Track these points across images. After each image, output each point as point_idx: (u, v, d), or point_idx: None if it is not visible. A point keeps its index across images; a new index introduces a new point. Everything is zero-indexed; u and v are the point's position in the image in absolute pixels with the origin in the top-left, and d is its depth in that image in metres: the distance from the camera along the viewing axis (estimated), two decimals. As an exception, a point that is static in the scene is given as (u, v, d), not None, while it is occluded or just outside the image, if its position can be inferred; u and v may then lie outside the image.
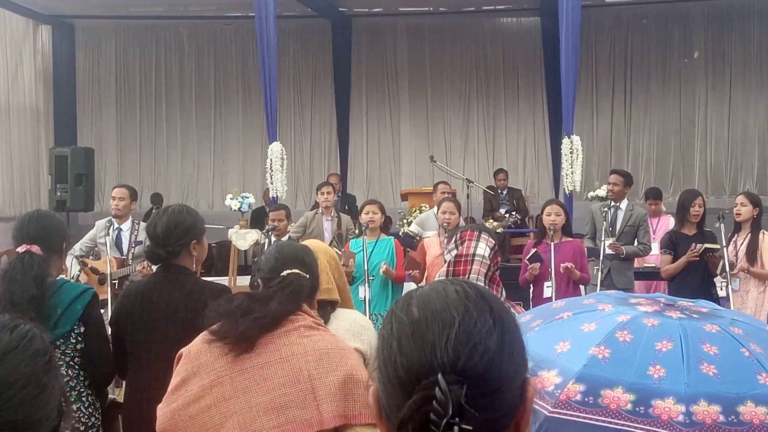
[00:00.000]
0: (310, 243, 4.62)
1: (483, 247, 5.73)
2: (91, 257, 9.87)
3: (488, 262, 5.66)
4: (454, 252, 5.84)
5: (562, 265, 8.94)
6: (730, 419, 3.30)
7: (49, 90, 20.97)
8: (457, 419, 1.47)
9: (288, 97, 21.48)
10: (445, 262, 5.98)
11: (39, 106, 20.42)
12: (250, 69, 21.14)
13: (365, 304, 9.02)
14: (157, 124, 22.35)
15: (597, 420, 3.34)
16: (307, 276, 3.75)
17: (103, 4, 19.98)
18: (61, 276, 4.81)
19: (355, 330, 4.24)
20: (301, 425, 3.40)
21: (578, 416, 3.36)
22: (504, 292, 5.79)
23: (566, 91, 13.86)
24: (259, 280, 3.80)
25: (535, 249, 9.23)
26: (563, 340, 3.62)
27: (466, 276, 5.61)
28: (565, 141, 13.85)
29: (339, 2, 20.27)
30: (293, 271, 3.70)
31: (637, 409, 3.33)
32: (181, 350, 3.57)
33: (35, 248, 4.44)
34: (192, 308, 4.45)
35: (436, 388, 1.48)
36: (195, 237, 4.69)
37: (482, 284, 5.36)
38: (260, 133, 19.56)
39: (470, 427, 1.48)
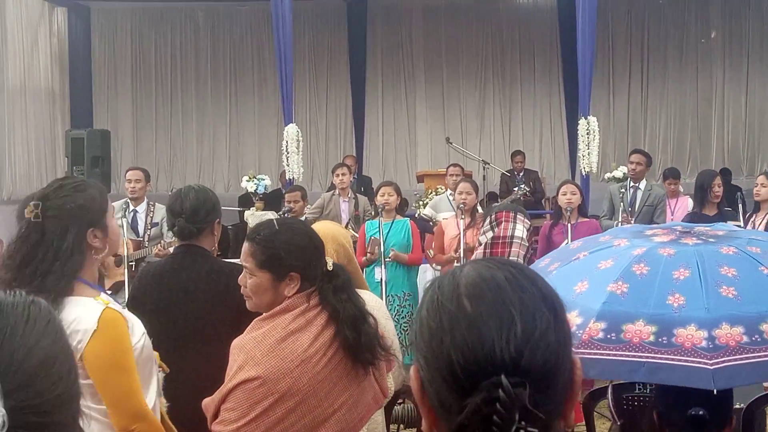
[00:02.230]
0: (321, 227, 4.60)
1: (521, 229, 5.69)
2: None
3: (527, 244, 5.61)
4: (490, 234, 5.77)
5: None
6: (754, 338, 3.31)
7: (65, 73, 20.94)
8: (522, 422, 1.44)
9: (303, 79, 21.42)
10: (480, 243, 5.91)
11: (55, 88, 20.42)
12: (266, 51, 21.10)
13: (381, 285, 9.02)
14: (173, 107, 22.35)
15: (622, 356, 3.37)
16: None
17: (119, -14, 20.03)
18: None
19: None
20: (372, 406, 3.61)
21: (603, 354, 3.39)
22: None
23: (583, 71, 13.81)
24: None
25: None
26: (581, 280, 3.63)
27: (506, 258, 5.53)
28: (582, 122, 13.81)
29: (354, -17, 20.24)
30: (334, 261, 3.73)
31: (660, 339, 3.35)
32: (250, 375, 3.45)
33: None
34: (213, 289, 4.44)
35: (499, 390, 1.44)
36: (218, 215, 4.69)
37: None
38: (276, 115, 19.54)
39: (536, 430, 1.45)
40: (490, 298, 1.54)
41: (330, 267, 3.63)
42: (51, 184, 3.48)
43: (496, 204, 9.25)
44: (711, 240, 3.78)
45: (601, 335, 3.41)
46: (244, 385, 3.43)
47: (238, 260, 3.96)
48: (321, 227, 4.69)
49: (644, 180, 10.91)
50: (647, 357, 3.33)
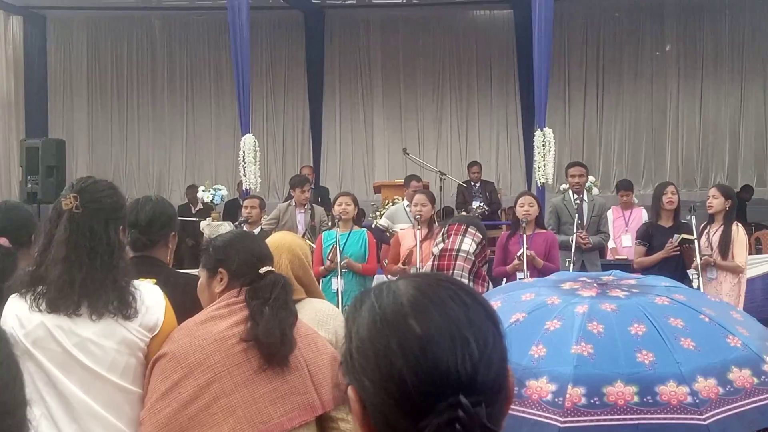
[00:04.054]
0: (278, 238, 4.61)
1: (468, 242, 5.68)
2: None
3: (473, 258, 5.60)
4: (441, 246, 5.78)
5: (526, 252, 8.89)
6: (727, 389, 3.38)
7: (20, 81, 20.75)
8: None
9: (261, 89, 21.42)
10: (433, 255, 5.91)
11: (10, 97, 20.24)
12: (223, 61, 21.03)
13: (338, 295, 9.01)
14: (129, 116, 22.21)
15: (611, 420, 3.35)
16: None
17: (75, -5, 19.89)
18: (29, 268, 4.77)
19: (319, 319, 4.26)
20: (306, 410, 3.44)
21: (591, 420, 3.36)
22: (491, 286, 5.74)
23: (539, 83, 13.89)
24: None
25: (523, 248, 9.11)
26: (535, 344, 3.59)
27: (451, 271, 5.55)
28: (538, 134, 13.90)
29: (312, -6, 20.24)
30: (271, 269, 3.72)
31: (644, 399, 3.35)
32: (161, 352, 3.48)
33: (3, 240, 4.39)
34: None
35: (458, 411, 1.43)
36: (174, 228, 4.67)
37: (466, 281, 5.34)
38: (233, 124, 19.47)
39: None
40: (437, 318, 1.52)
41: (263, 271, 3.63)
42: (84, 179, 3.60)
43: (455, 216, 9.25)
44: (635, 291, 3.85)
45: (584, 401, 3.38)
46: (157, 362, 3.45)
47: (192, 271, 3.97)
48: (277, 238, 4.69)
49: (585, 191, 10.95)
50: (639, 419, 3.33)
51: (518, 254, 8.95)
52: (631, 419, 3.34)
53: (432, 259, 5.91)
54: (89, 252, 3.41)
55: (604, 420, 3.36)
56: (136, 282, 3.52)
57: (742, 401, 3.39)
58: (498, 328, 1.57)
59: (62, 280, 3.36)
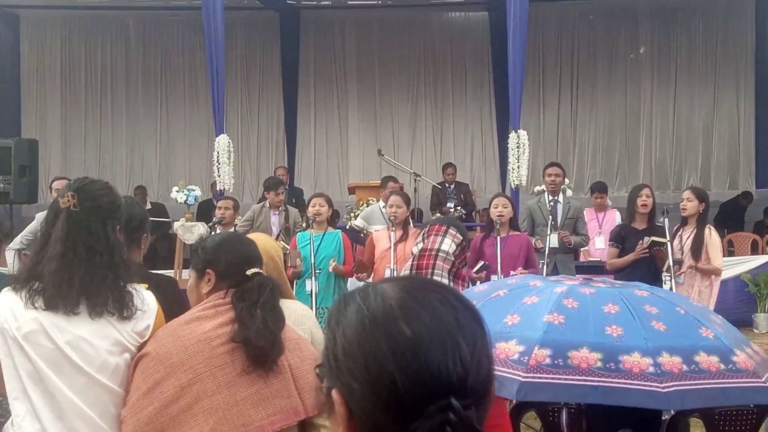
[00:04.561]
0: (252, 239, 4.61)
1: (448, 243, 5.68)
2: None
3: (452, 259, 5.60)
4: (420, 245, 5.78)
5: (512, 272, 8.93)
6: (692, 368, 3.52)
7: (-8, 80, 20.67)
8: None
9: (235, 90, 21.38)
10: (413, 254, 5.91)
11: (-18, 96, 20.13)
12: (197, 61, 21.00)
13: (312, 297, 9.00)
14: (103, 116, 22.14)
15: (572, 380, 3.49)
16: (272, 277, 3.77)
17: (49, -6, 19.76)
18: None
19: (294, 319, 4.23)
20: (288, 415, 3.41)
21: (554, 378, 3.51)
22: (471, 286, 5.75)
23: (513, 85, 13.92)
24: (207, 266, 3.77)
25: (483, 262, 9.11)
26: (510, 314, 3.74)
27: (429, 270, 5.56)
28: (512, 135, 13.93)
29: (287, -6, 20.19)
30: (259, 271, 3.70)
31: (608, 365, 3.49)
32: (144, 351, 3.47)
33: None
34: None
35: (449, 413, 1.43)
36: (146, 230, 4.65)
37: (446, 280, 5.36)
38: (207, 125, 19.41)
39: None
40: (427, 321, 1.52)
41: (249, 273, 3.62)
42: (81, 179, 3.61)
43: (436, 217, 9.24)
44: (617, 284, 4.02)
45: (548, 361, 3.52)
46: (140, 361, 3.44)
47: (165, 272, 3.95)
48: (253, 238, 4.69)
49: (560, 193, 10.97)
50: (599, 381, 3.47)
51: (475, 269, 8.92)
52: (591, 380, 3.46)
53: (411, 259, 5.91)
54: (88, 250, 3.42)
55: (565, 379, 3.49)
56: (136, 285, 3.55)
57: (705, 380, 3.51)
58: (485, 331, 1.57)
59: (60, 277, 3.36)
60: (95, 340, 3.38)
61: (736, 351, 3.65)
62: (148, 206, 16.58)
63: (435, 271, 5.54)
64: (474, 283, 9.25)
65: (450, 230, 5.90)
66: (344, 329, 1.57)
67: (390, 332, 1.51)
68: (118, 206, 3.61)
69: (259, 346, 3.39)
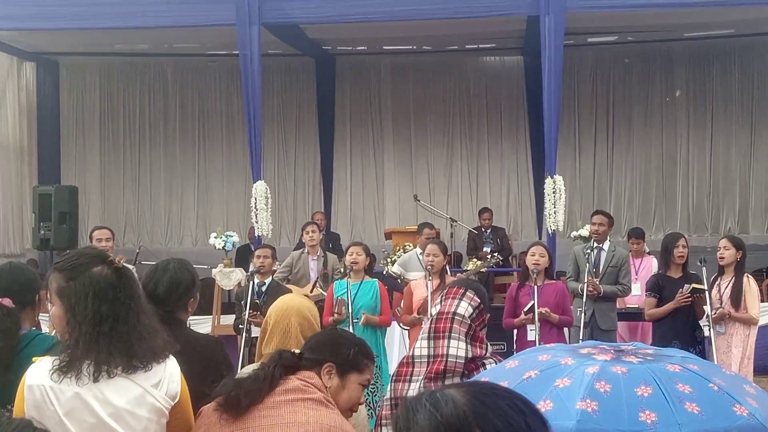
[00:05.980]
0: (286, 301, 4.63)
1: (465, 306, 5.62)
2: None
3: (468, 322, 5.55)
4: (437, 308, 5.77)
5: (538, 310, 8.95)
6: None
7: (32, 127, 20.82)
8: None
9: (272, 135, 21.46)
10: (430, 317, 5.89)
11: (23, 143, 20.30)
12: (234, 106, 21.15)
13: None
14: (141, 162, 22.29)
15: None
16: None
17: (88, 42, 19.84)
18: (33, 328, 4.81)
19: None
20: None
21: None
22: (489, 348, 5.71)
23: (549, 130, 13.96)
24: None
25: (532, 301, 9.13)
26: (543, 399, 3.65)
27: (446, 333, 5.53)
28: (548, 181, 13.93)
29: (323, 41, 20.25)
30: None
31: None
32: (202, 408, 3.61)
33: (6, 301, 4.44)
34: (186, 360, 4.45)
35: None
36: (193, 295, 4.69)
37: (464, 343, 5.35)
38: (244, 170, 19.52)
39: None
40: (500, 426, 1.59)
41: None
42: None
43: (456, 279, 9.24)
44: (649, 358, 3.93)
45: None
46: None
47: (204, 317, 3.99)
48: (285, 301, 4.71)
49: (608, 240, 10.98)
50: None
51: (526, 308, 8.99)
52: None
53: (429, 322, 5.89)
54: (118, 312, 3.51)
55: None
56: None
57: None
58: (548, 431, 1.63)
59: (89, 337, 3.41)
60: (135, 409, 3.44)
61: None
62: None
63: (452, 334, 5.49)
64: (520, 327, 9.29)
65: (468, 293, 5.85)
66: None
67: None
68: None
69: None
